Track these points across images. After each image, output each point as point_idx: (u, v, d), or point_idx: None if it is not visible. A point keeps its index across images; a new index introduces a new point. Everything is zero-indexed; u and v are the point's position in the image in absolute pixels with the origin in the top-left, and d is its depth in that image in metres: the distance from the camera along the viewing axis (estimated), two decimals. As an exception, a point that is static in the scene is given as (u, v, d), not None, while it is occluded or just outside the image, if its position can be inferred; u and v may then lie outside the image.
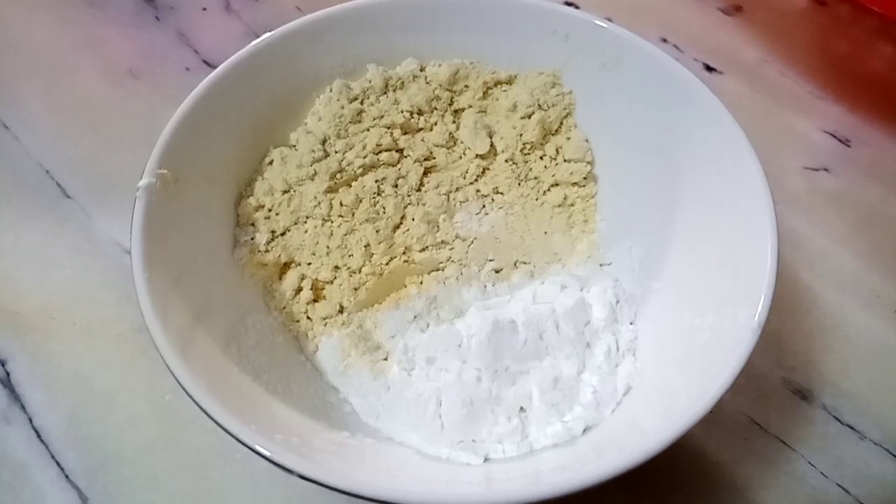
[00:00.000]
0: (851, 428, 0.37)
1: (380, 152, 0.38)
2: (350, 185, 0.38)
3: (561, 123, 0.40)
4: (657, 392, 0.32)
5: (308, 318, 0.36)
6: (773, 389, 0.38)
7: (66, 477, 0.35)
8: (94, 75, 0.48)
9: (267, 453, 0.26)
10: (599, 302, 0.36)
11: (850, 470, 0.36)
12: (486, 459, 0.32)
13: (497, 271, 0.38)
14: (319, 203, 0.37)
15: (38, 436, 0.36)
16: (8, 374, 0.37)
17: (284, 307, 0.36)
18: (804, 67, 0.50)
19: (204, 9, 0.52)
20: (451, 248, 0.38)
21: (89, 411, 0.36)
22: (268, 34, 0.37)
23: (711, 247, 0.34)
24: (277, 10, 0.52)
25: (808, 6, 0.53)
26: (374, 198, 0.38)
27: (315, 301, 0.36)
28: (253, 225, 0.37)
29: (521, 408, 0.33)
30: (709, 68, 0.50)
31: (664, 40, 0.51)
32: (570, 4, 0.52)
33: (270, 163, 0.38)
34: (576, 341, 0.35)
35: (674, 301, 0.35)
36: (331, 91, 0.39)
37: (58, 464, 0.35)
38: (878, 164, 0.46)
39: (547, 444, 0.32)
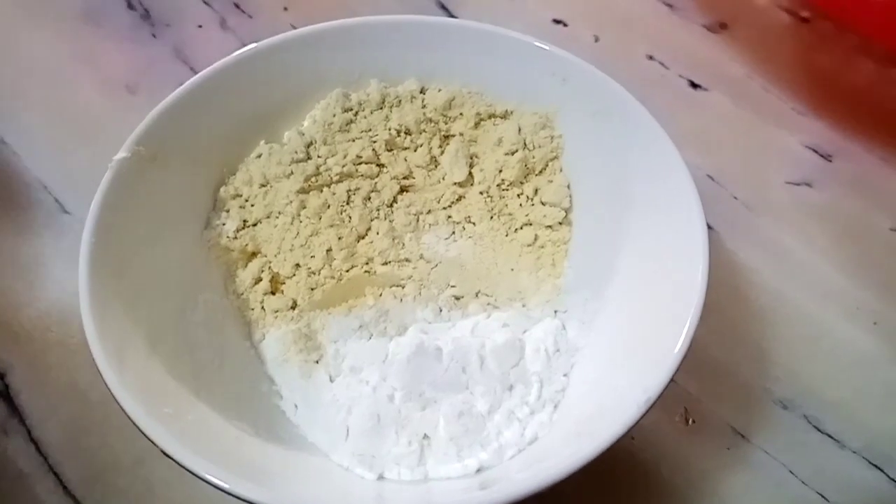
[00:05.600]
0: (832, 437, 0.37)
1: (360, 163, 0.39)
2: (322, 190, 0.39)
3: (546, 165, 0.40)
4: (557, 444, 0.32)
5: (262, 308, 0.37)
6: (756, 399, 0.39)
7: (64, 487, 0.35)
8: (91, 90, 0.49)
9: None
10: (536, 347, 0.35)
11: (830, 478, 0.36)
12: (380, 477, 0.32)
13: (457, 298, 0.38)
14: (291, 202, 0.38)
15: (37, 447, 0.36)
16: (7, 386, 0.38)
17: (242, 294, 0.37)
18: (788, 83, 0.50)
19: (200, 26, 0.53)
20: (414, 267, 0.39)
21: (87, 422, 0.37)
22: (284, 34, 0.38)
23: (641, 308, 0.34)
24: (272, 27, 0.52)
25: (792, 23, 0.54)
26: (341, 206, 0.39)
27: (272, 293, 0.37)
28: (227, 211, 0.38)
29: (426, 435, 0.33)
30: (694, 85, 0.50)
31: (650, 57, 0.52)
32: (558, 22, 0.53)
33: (259, 156, 0.39)
34: (497, 380, 0.34)
35: (603, 358, 0.35)
36: (329, 98, 0.40)
37: (55, 474, 0.36)
38: (859, 179, 0.46)
39: (442, 475, 0.32)
